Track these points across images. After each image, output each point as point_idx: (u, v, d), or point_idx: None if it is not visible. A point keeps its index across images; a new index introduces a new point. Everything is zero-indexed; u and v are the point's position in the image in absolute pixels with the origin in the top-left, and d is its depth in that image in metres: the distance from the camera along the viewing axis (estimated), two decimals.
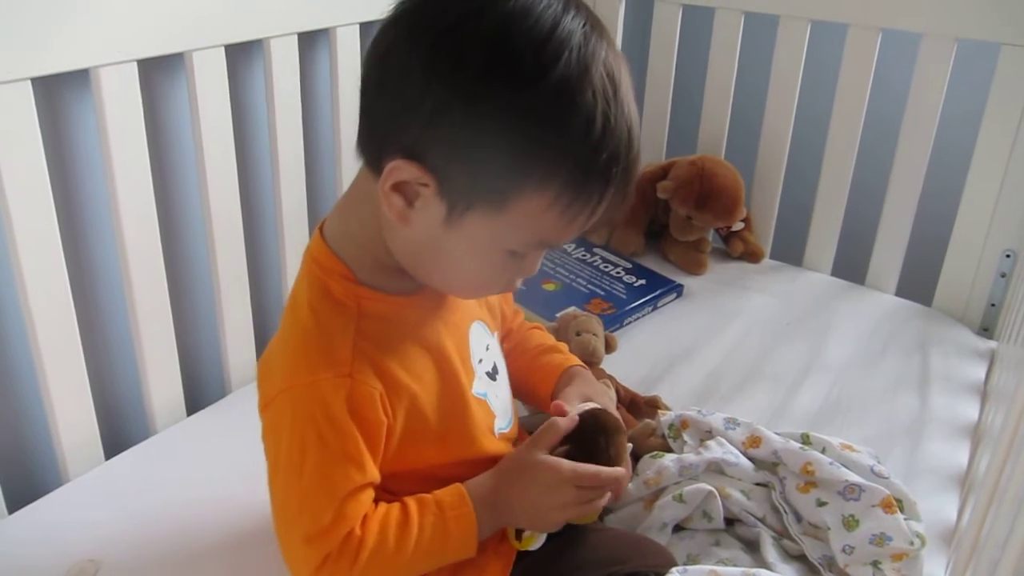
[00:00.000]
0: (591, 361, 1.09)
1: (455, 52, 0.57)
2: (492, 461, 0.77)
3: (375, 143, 0.63)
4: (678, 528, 0.88)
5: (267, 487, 0.69)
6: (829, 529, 0.84)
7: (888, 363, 1.22)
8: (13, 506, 0.93)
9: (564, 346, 0.90)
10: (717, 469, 0.91)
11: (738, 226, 1.51)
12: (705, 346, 1.25)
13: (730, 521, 0.89)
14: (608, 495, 0.75)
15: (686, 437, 0.95)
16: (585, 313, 1.17)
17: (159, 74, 1.04)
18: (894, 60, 1.37)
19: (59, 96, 0.95)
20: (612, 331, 1.23)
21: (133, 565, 0.84)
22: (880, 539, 0.82)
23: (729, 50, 1.50)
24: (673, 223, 1.50)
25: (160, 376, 1.07)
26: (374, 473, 0.67)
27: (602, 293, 1.36)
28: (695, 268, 1.48)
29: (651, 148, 1.62)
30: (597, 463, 0.72)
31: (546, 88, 0.56)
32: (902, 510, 0.85)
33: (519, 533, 0.73)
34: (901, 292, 1.44)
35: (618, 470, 0.73)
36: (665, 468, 0.89)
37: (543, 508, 0.71)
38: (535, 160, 0.58)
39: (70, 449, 0.97)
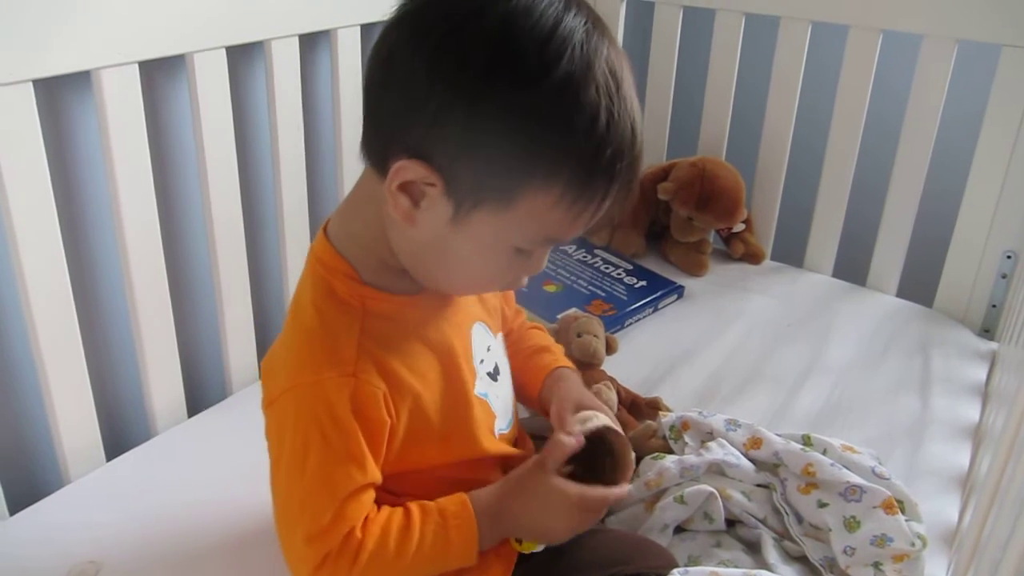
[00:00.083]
0: (592, 362, 1.09)
1: (458, 52, 0.57)
2: (493, 461, 0.77)
3: (380, 144, 0.63)
4: (679, 529, 0.88)
5: (267, 486, 0.69)
6: (830, 530, 0.84)
7: (889, 364, 1.22)
8: (14, 507, 0.93)
9: (558, 347, 0.90)
10: (718, 470, 0.91)
11: (739, 227, 1.51)
12: (706, 347, 1.25)
13: (731, 522, 0.89)
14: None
15: (687, 438, 0.95)
16: (586, 314, 1.17)
17: (160, 76, 1.04)
18: (895, 61, 1.37)
19: (60, 98, 0.96)
20: (613, 332, 1.23)
21: (134, 566, 0.84)
22: (881, 540, 0.81)
23: (730, 51, 1.50)
24: (674, 224, 1.50)
25: (161, 377, 1.07)
26: (376, 474, 0.67)
27: (603, 294, 1.36)
28: (696, 269, 1.48)
29: (652, 149, 1.62)
30: (603, 483, 0.72)
31: (549, 86, 0.57)
32: (903, 511, 0.85)
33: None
34: (902, 293, 1.44)
35: (624, 488, 0.74)
36: (666, 469, 0.89)
37: (548, 526, 0.72)
38: (540, 157, 0.59)
39: (71, 450, 0.97)
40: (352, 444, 0.65)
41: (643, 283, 1.40)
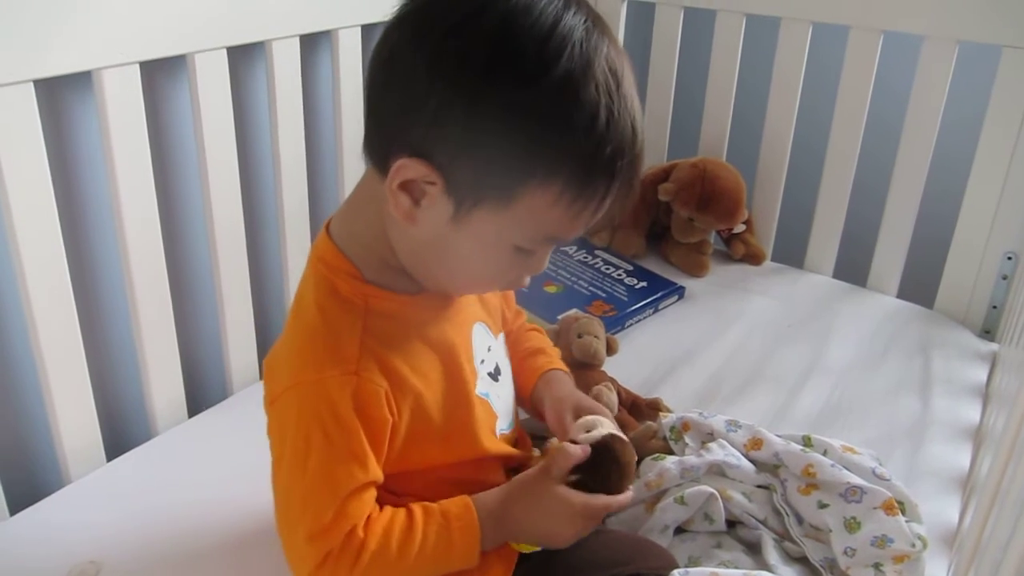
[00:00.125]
0: (593, 363, 1.09)
1: (458, 51, 0.57)
2: (494, 461, 0.77)
3: (381, 143, 0.63)
4: (679, 530, 0.88)
5: (268, 486, 0.69)
6: (831, 531, 0.84)
7: (890, 365, 1.22)
8: (15, 508, 0.93)
9: (554, 350, 0.90)
10: (719, 471, 0.90)
11: (739, 228, 1.51)
12: (706, 348, 1.25)
13: (731, 523, 0.89)
14: None
15: (687, 439, 0.95)
16: (586, 315, 1.16)
17: (161, 76, 1.04)
18: (895, 62, 1.37)
19: (61, 98, 0.96)
20: (613, 333, 1.23)
21: (134, 567, 0.84)
22: (882, 541, 0.81)
23: (731, 52, 1.50)
24: (674, 225, 1.50)
25: (161, 377, 1.07)
26: (377, 472, 0.67)
27: (603, 295, 1.36)
28: (696, 270, 1.48)
29: (653, 150, 1.62)
30: (608, 492, 0.73)
31: (549, 84, 0.57)
32: (904, 512, 0.85)
33: None
34: (903, 294, 1.44)
35: (628, 495, 0.75)
36: (667, 470, 0.89)
37: (550, 532, 0.72)
38: (540, 155, 0.59)
39: (71, 451, 0.97)
40: (354, 442, 0.65)
41: (644, 284, 1.40)
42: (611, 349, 1.14)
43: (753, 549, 0.86)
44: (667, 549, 0.81)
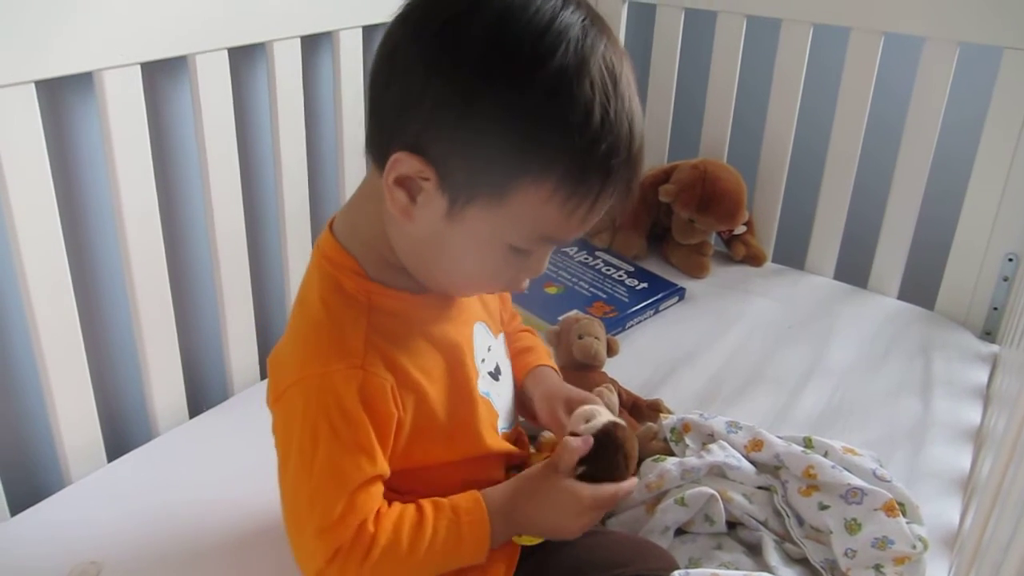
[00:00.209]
0: (593, 364, 1.09)
1: (454, 46, 0.58)
2: (497, 459, 0.77)
3: (381, 139, 0.63)
4: (680, 531, 0.88)
5: (269, 487, 0.69)
6: (831, 533, 0.84)
7: (890, 367, 1.22)
8: (15, 508, 0.93)
9: (544, 349, 0.90)
10: (719, 472, 0.90)
11: (740, 229, 1.51)
12: (707, 350, 1.25)
13: (732, 524, 0.88)
14: None
15: (688, 441, 0.95)
16: (587, 316, 1.16)
17: (162, 77, 1.05)
18: (896, 64, 1.37)
19: (62, 99, 0.96)
20: (614, 334, 1.23)
21: (135, 567, 0.84)
22: (882, 543, 0.81)
23: (731, 54, 1.50)
24: (675, 226, 1.50)
25: (162, 378, 1.07)
26: (384, 466, 0.67)
27: (604, 296, 1.36)
28: (697, 271, 1.48)
29: (653, 151, 1.62)
30: (615, 479, 0.73)
31: (543, 80, 0.57)
32: (904, 514, 0.85)
33: None
34: (903, 296, 1.43)
35: (633, 480, 0.75)
36: (667, 472, 0.89)
37: (559, 526, 0.72)
38: (533, 152, 0.58)
39: (72, 451, 0.97)
40: (361, 435, 0.65)
41: (644, 285, 1.40)
42: (612, 350, 1.14)
43: (754, 550, 0.86)
44: (667, 550, 0.81)
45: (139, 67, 0.95)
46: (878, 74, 1.36)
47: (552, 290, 1.37)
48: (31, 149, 0.87)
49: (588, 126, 0.58)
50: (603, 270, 1.44)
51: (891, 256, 1.43)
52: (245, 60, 1.14)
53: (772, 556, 0.84)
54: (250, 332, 1.18)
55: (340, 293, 0.68)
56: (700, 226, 1.47)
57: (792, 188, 1.51)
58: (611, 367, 1.12)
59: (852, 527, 0.83)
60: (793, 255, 1.54)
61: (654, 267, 1.47)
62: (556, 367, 0.88)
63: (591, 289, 1.38)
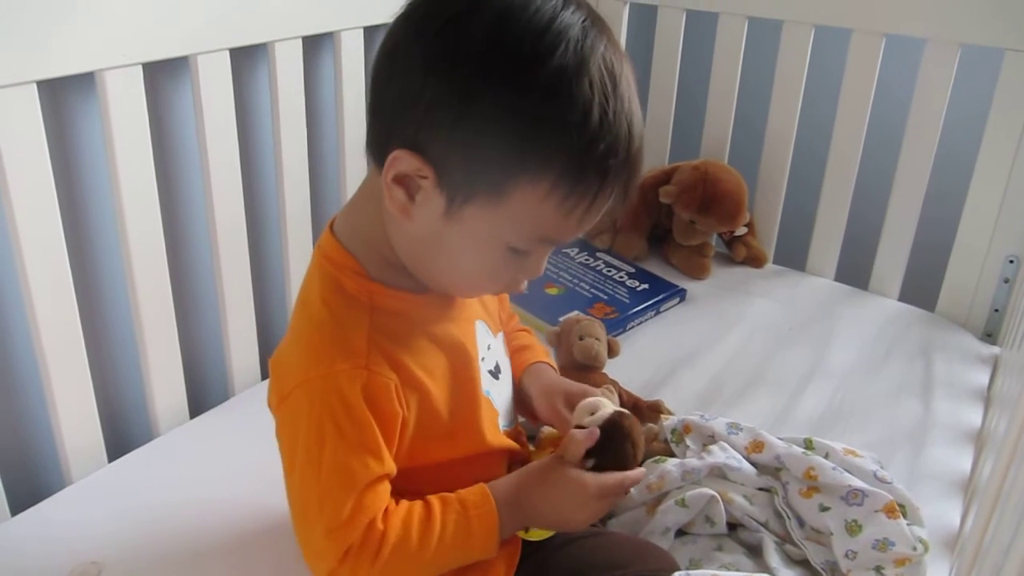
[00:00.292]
0: (594, 366, 1.09)
1: (454, 44, 0.58)
2: (499, 457, 0.77)
3: (381, 137, 0.63)
4: (681, 533, 0.88)
5: (270, 487, 0.69)
6: (832, 534, 0.84)
7: (891, 368, 1.22)
8: (16, 508, 0.93)
9: (540, 347, 0.90)
10: (720, 474, 0.90)
11: (741, 231, 1.51)
12: (708, 351, 1.25)
13: (733, 526, 0.88)
14: None
15: (689, 442, 0.95)
16: (588, 317, 1.16)
17: (164, 77, 1.05)
18: (897, 65, 1.38)
19: (64, 99, 0.96)
20: (615, 335, 1.23)
21: (135, 567, 0.84)
22: (883, 544, 0.81)
23: (733, 55, 1.50)
24: (676, 228, 1.50)
25: (163, 379, 1.07)
26: (391, 465, 0.67)
27: (605, 297, 1.36)
28: (698, 273, 1.48)
29: (654, 152, 1.62)
30: (623, 469, 0.73)
31: (541, 79, 0.57)
32: (905, 515, 0.85)
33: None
34: (904, 297, 1.43)
35: (641, 470, 0.75)
36: (668, 473, 0.89)
37: (567, 517, 0.72)
38: (530, 151, 0.58)
39: (73, 451, 0.97)
40: (367, 434, 0.65)
41: (645, 286, 1.40)
42: (612, 351, 1.14)
43: (754, 552, 0.86)
44: (668, 551, 0.81)
45: (141, 67, 0.95)
46: (879, 76, 1.36)
47: (553, 291, 1.37)
48: (32, 149, 0.87)
49: (586, 126, 0.58)
50: (604, 271, 1.44)
51: (892, 258, 1.43)
52: (247, 60, 1.14)
53: (773, 557, 0.84)
54: (251, 332, 1.18)
55: (341, 293, 0.68)
56: (701, 227, 1.47)
57: (793, 189, 1.51)
58: (612, 368, 1.12)
59: (853, 528, 0.83)
60: (794, 256, 1.54)
61: (655, 268, 1.47)
62: (554, 364, 0.88)
63: (592, 290, 1.38)
